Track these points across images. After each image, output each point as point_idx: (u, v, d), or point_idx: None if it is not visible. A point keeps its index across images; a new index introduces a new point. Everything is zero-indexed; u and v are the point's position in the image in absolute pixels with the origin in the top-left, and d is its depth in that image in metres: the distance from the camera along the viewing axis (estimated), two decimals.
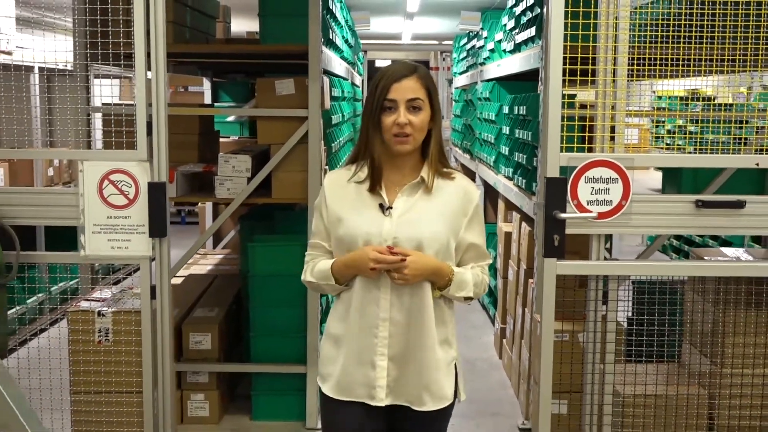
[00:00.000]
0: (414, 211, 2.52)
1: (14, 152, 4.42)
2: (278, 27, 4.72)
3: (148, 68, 3.29)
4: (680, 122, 8.38)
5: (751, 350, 3.42)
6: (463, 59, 9.58)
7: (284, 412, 4.85)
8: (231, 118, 7.77)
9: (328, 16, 5.50)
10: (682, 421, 3.45)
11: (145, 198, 3.22)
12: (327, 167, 5.12)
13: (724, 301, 3.43)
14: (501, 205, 6.54)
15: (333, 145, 5.78)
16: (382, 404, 2.52)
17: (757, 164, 3.27)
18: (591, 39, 3.24)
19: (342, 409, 2.57)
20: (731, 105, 4.15)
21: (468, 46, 9.01)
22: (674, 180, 3.95)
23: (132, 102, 3.38)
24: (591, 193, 3.20)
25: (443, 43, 12.43)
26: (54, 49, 3.96)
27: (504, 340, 5.92)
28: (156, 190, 3.22)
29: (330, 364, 2.60)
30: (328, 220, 2.59)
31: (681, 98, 6.99)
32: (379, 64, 23.64)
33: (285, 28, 4.69)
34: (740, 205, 3.23)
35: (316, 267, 2.60)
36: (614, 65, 3.22)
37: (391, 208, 2.52)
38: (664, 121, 8.63)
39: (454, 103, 10.71)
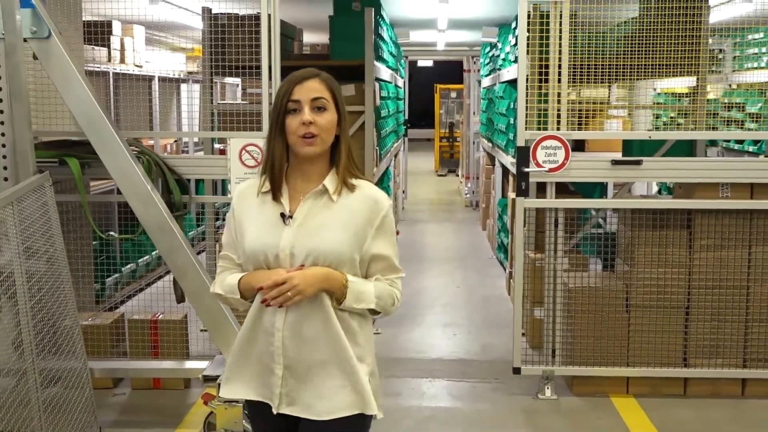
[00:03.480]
0: (315, 221, 2.45)
1: (186, 133, 6.46)
2: (343, 47, 6.75)
3: (269, 77, 5.26)
4: (672, 114, 10.18)
5: (652, 257, 5.30)
6: (487, 64, 11.52)
7: None
8: None
9: (378, 39, 7.46)
10: (608, 301, 5.34)
11: None
12: (378, 147, 7.12)
13: (637, 225, 5.33)
14: (511, 179, 8.44)
15: (382, 131, 7.76)
16: (277, 411, 2.49)
17: (650, 137, 5.19)
18: (544, 57, 5.16)
19: (252, 407, 2.61)
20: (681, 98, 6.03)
21: (490, 54, 10.94)
22: (629, 151, 5.80)
23: (233, 101, 5.36)
24: (545, 156, 5.12)
25: (473, 48, 14.36)
26: (171, 61, 5.94)
27: (511, 280, 7.83)
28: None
29: (232, 370, 2.59)
30: (236, 232, 2.55)
31: (674, 95, 8.77)
32: (420, 63, 25.54)
33: (348, 48, 6.71)
34: (639, 162, 5.13)
35: (225, 280, 2.57)
36: (559, 72, 5.14)
37: (291, 217, 2.46)
38: (660, 115, 10.41)
39: (481, 101, 12.62)
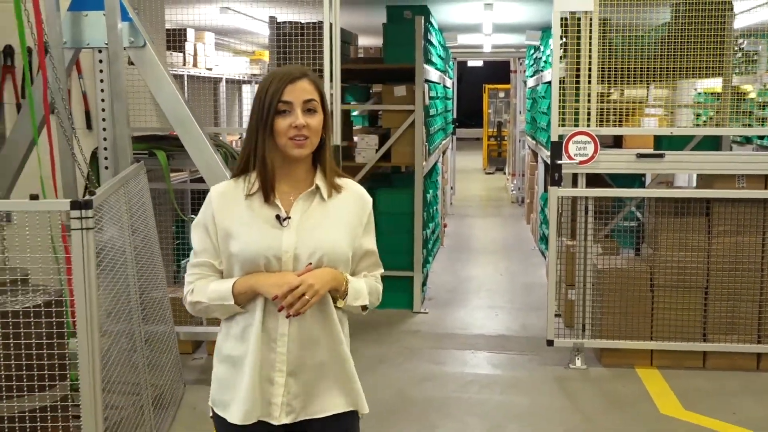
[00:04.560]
0: (312, 221, 2.43)
1: None
2: (395, 52, 7.41)
3: (330, 79, 5.93)
4: (711, 113, 10.64)
5: (674, 241, 5.85)
6: (531, 65, 12.09)
7: (399, 302, 7.50)
8: (356, 112, 10.45)
9: (427, 43, 8.09)
10: (634, 281, 5.91)
11: None
12: (426, 143, 7.76)
13: (660, 213, 5.89)
14: None
15: (430, 129, 8.40)
16: (278, 423, 2.43)
17: (672, 132, 5.76)
18: (575, 62, 5.76)
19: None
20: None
21: (534, 56, 11.52)
22: (659, 146, 6.36)
23: None
24: (576, 150, 5.70)
25: (519, 50, 14.92)
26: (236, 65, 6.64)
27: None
28: (335, 149, 5.86)
29: (228, 390, 2.46)
30: (218, 236, 2.45)
31: (713, 94, 9.27)
32: (471, 63, 26.06)
33: (400, 53, 7.37)
34: (662, 156, 5.70)
35: (210, 287, 2.44)
36: (588, 75, 5.73)
37: (289, 218, 2.42)
38: (700, 114, 10.88)
39: (526, 100, 13.18)
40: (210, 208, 2.47)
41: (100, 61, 5.02)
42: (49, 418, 3.53)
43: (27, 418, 3.45)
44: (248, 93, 11.71)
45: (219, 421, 2.49)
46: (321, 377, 2.45)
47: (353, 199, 2.52)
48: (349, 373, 2.51)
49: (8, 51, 5.82)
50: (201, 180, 6.97)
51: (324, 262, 2.41)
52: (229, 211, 2.45)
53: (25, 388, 3.45)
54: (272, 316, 2.40)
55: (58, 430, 3.60)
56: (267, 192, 2.42)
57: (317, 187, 2.46)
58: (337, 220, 2.46)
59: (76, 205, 3.20)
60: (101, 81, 5.04)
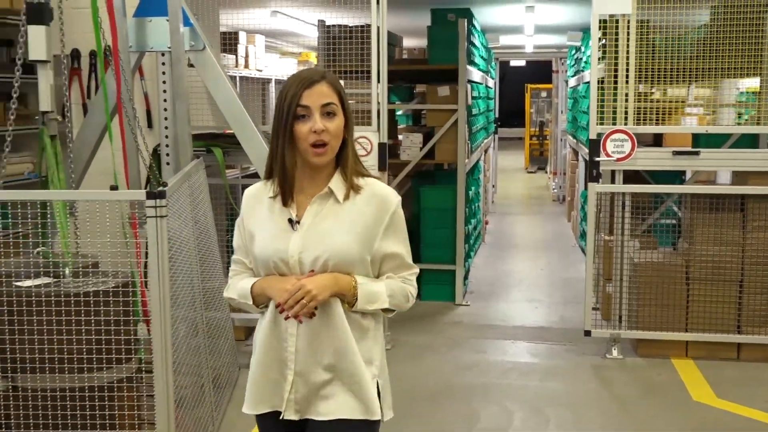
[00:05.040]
0: (322, 224, 2.42)
1: None
2: (439, 53, 7.68)
3: (378, 80, 6.21)
4: (753, 112, 10.75)
5: (710, 236, 6.04)
6: (573, 66, 12.27)
7: (442, 295, 7.77)
8: (400, 112, 10.74)
9: (470, 45, 8.34)
10: (670, 274, 6.10)
11: (376, 150, 6.14)
12: (469, 141, 8.02)
13: (696, 208, 6.08)
14: None
15: (473, 128, 8.65)
16: (289, 418, 2.47)
17: (707, 131, 5.96)
18: (614, 62, 5.97)
19: (259, 421, 2.57)
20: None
21: (576, 56, 11.70)
22: (697, 144, 6.54)
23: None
24: (614, 147, 5.92)
25: (561, 50, 15.08)
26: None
27: None
28: (381, 147, 6.14)
29: (250, 377, 2.54)
30: (246, 237, 2.53)
31: (755, 93, 9.41)
32: (513, 63, 26.21)
33: (443, 54, 7.63)
34: (697, 153, 5.89)
35: (238, 285, 2.53)
36: (626, 75, 5.94)
37: (299, 222, 2.43)
38: (742, 113, 11.00)
39: (568, 100, 13.35)
40: (242, 208, 2.56)
41: (163, 64, 5.36)
42: (123, 388, 3.85)
43: (104, 388, 3.77)
44: None
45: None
46: (328, 381, 2.45)
47: (373, 201, 2.45)
48: (358, 379, 2.45)
49: (75, 54, 6.19)
50: (252, 176, 7.32)
51: (330, 266, 2.40)
52: (254, 213, 2.50)
53: (101, 362, 3.77)
54: (283, 317, 2.42)
55: (131, 401, 3.92)
56: (285, 196, 2.44)
57: (330, 190, 2.44)
58: (350, 223, 2.42)
59: (151, 195, 3.53)
60: (164, 82, 5.39)
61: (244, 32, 8.79)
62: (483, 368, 5.91)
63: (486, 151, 12.36)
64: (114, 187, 3.74)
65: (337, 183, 2.44)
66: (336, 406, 2.45)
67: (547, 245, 10.91)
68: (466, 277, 8.07)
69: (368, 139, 6.09)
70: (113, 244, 4.10)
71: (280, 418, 2.47)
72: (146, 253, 3.80)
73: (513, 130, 28.15)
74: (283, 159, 2.40)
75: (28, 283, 3.89)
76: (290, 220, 2.44)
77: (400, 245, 2.51)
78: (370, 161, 6.08)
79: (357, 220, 2.42)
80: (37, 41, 4.18)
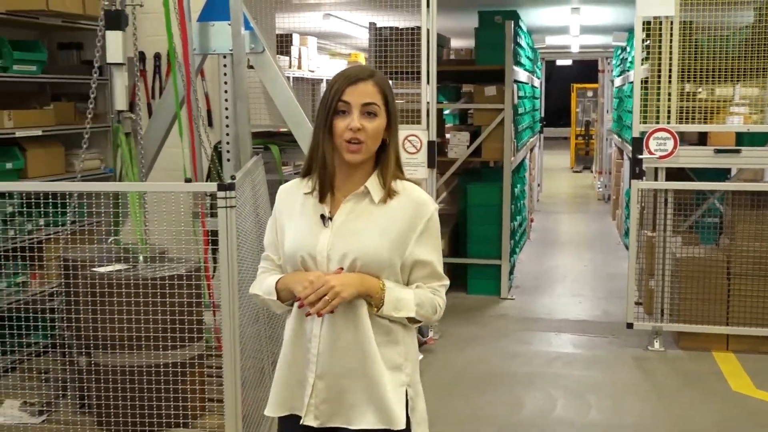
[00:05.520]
0: (355, 223, 2.37)
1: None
2: (486, 54, 7.92)
3: (427, 81, 6.46)
4: None
5: (750, 232, 6.19)
6: (618, 65, 12.40)
7: (488, 289, 8.00)
8: (447, 111, 10.98)
9: (516, 46, 8.56)
10: (711, 269, 6.26)
11: (425, 148, 6.39)
12: (515, 140, 8.23)
13: (737, 205, 6.24)
14: None
15: (519, 127, 8.87)
16: (308, 424, 2.40)
17: (749, 129, 6.11)
18: (657, 62, 6.16)
19: (281, 424, 2.52)
20: None
21: (621, 56, 11.84)
22: (740, 143, 6.69)
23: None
24: (656, 145, 6.10)
25: (607, 50, 15.19)
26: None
27: None
28: (430, 145, 6.40)
29: (275, 379, 2.49)
30: (279, 233, 2.49)
31: None
32: (559, 63, 26.24)
33: (490, 55, 7.87)
34: (738, 151, 6.05)
35: (265, 282, 2.48)
36: (669, 76, 6.12)
37: (331, 219, 2.39)
38: None
39: (613, 99, 13.47)
40: (276, 204, 2.52)
41: (225, 66, 5.67)
42: (191, 367, 4.16)
43: (176, 365, 4.09)
44: None
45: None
46: (350, 387, 2.38)
47: (409, 206, 2.39)
48: (380, 386, 2.37)
49: (140, 57, 6.54)
50: None
51: (357, 266, 2.34)
52: (287, 208, 2.47)
53: (172, 342, 4.08)
54: (308, 318, 2.36)
55: (198, 380, 4.23)
56: (323, 192, 2.40)
57: (367, 189, 2.38)
58: (383, 226, 2.36)
59: (222, 187, 3.82)
60: (225, 83, 5.69)
61: (298, 34, 9.10)
62: (527, 358, 6.14)
63: (531, 150, 12.54)
64: (188, 180, 4.04)
65: (374, 183, 2.39)
66: (359, 416, 2.37)
67: (591, 243, 11.07)
68: (511, 272, 8.29)
69: (418, 137, 6.34)
70: (179, 233, 4.41)
71: (300, 423, 2.41)
72: (212, 242, 4.10)
73: (559, 129, 28.16)
74: (323, 153, 2.36)
75: (105, 269, 4.22)
76: (322, 216, 2.39)
77: (432, 254, 2.43)
78: (420, 158, 6.34)
79: (390, 223, 2.36)
80: (114, 45, 4.52)
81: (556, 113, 27.50)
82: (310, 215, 2.41)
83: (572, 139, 22.57)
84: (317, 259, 2.36)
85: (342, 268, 2.34)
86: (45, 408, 4.33)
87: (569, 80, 24.37)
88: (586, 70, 24.54)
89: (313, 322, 2.35)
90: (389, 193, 2.38)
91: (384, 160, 2.40)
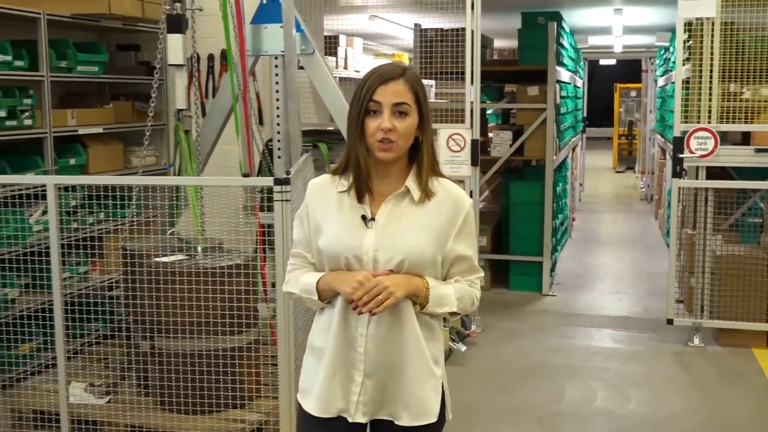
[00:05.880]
0: (398, 224, 2.39)
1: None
2: (529, 55, 8.07)
3: (471, 81, 6.62)
4: None
5: None
6: (661, 65, 12.44)
7: (529, 285, 8.15)
8: (490, 111, 11.12)
9: (559, 47, 8.69)
10: (751, 267, 6.35)
11: (468, 146, 6.56)
12: (557, 139, 8.37)
13: None
14: None
15: (561, 126, 9.00)
16: (353, 420, 2.42)
17: None
18: (699, 62, 6.26)
19: (322, 426, 2.47)
20: None
21: (665, 56, 11.88)
22: None
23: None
24: (697, 145, 6.21)
25: (650, 49, 15.19)
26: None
27: None
28: (474, 143, 6.57)
29: (310, 380, 2.48)
30: (310, 229, 2.46)
31: None
32: (603, 62, 26.19)
33: (533, 55, 8.02)
34: None
35: (300, 279, 2.47)
36: (710, 76, 6.22)
37: (374, 219, 2.39)
38: None
39: (656, 99, 13.50)
40: (306, 202, 2.49)
41: (276, 66, 5.90)
42: (246, 353, 4.39)
43: (234, 349, 4.31)
44: None
45: (298, 407, 2.54)
46: (398, 384, 2.42)
47: (447, 202, 2.43)
48: (428, 379, 2.44)
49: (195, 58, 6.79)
50: None
51: (405, 266, 2.36)
52: (322, 206, 2.45)
53: (227, 329, 4.31)
54: (353, 315, 2.38)
55: (252, 366, 4.45)
56: (361, 192, 2.40)
57: (407, 189, 2.41)
58: (425, 224, 2.39)
59: (278, 181, 4.04)
60: (276, 83, 5.91)
61: (344, 35, 9.33)
62: (568, 351, 6.28)
63: (574, 150, 12.62)
64: (246, 175, 4.27)
65: (412, 183, 2.42)
66: (405, 410, 2.42)
67: (633, 241, 11.14)
68: (552, 270, 8.42)
69: (462, 136, 6.51)
70: (233, 225, 4.64)
71: (350, 421, 2.43)
72: (266, 234, 4.31)
73: (602, 129, 28.07)
74: (357, 153, 2.37)
75: (165, 259, 4.46)
76: (363, 217, 2.39)
77: (470, 248, 2.48)
78: (463, 157, 6.51)
79: (431, 221, 2.40)
80: (175, 48, 4.76)
81: (600, 113, 27.44)
82: (349, 215, 2.41)
83: (615, 139, 22.52)
84: (363, 260, 2.37)
85: (392, 270, 2.36)
86: (109, 389, 4.59)
87: (613, 80, 24.30)
88: (630, 69, 24.47)
89: (359, 321, 2.38)
90: (429, 191, 2.41)
91: (420, 158, 2.42)
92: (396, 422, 2.44)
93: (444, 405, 2.53)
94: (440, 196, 2.43)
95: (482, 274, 2.55)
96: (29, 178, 4.99)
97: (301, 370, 2.55)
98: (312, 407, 2.46)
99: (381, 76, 2.35)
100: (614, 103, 22.66)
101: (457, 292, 2.43)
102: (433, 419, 2.47)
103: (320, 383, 2.44)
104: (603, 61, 25.39)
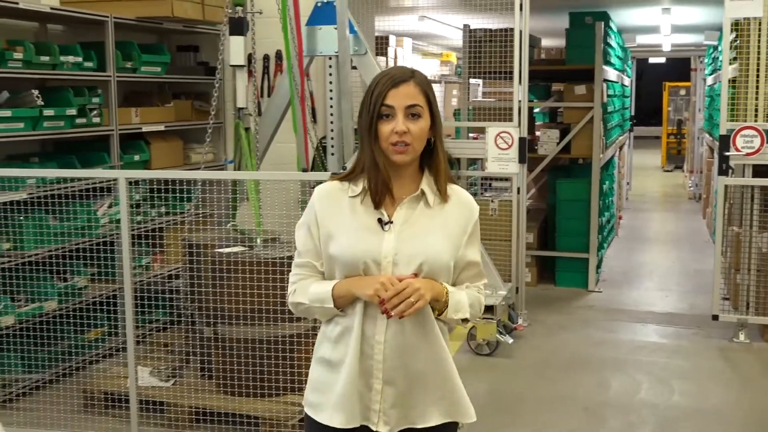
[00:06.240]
0: (415, 227, 2.37)
1: (458, 123, 8.19)
2: (576, 54, 8.19)
3: (519, 81, 6.78)
4: None
5: None
6: (710, 64, 12.43)
7: (575, 281, 8.27)
8: (537, 109, 11.25)
9: (606, 46, 8.79)
10: None
11: (516, 144, 6.71)
12: (603, 138, 8.47)
13: None
14: None
15: (608, 125, 9.09)
16: (376, 429, 2.37)
17: None
18: (746, 62, 6.34)
19: None
20: None
21: (713, 55, 11.88)
22: None
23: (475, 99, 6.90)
24: (743, 143, 6.29)
25: (699, 48, 15.14)
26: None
27: None
28: (522, 141, 6.72)
29: (322, 393, 2.42)
30: (319, 237, 2.40)
31: None
32: (651, 60, 26.03)
33: (580, 54, 8.14)
34: None
35: (310, 289, 2.41)
36: (757, 75, 6.30)
37: (391, 222, 2.36)
38: None
39: (705, 98, 13.47)
40: (313, 208, 2.43)
41: (330, 66, 6.12)
42: (303, 340, 4.61)
43: (292, 336, 4.54)
44: (436, 92, 12.73)
45: (309, 421, 2.46)
46: (419, 388, 2.38)
47: (459, 208, 2.43)
48: (451, 384, 2.44)
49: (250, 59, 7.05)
50: None
51: (424, 270, 2.34)
52: (332, 213, 2.40)
53: (285, 317, 4.53)
54: (371, 322, 2.34)
55: (310, 351, 4.67)
56: (381, 196, 2.35)
57: (422, 192, 2.39)
58: (440, 229, 2.38)
59: (334, 175, 4.24)
60: (330, 83, 6.13)
61: (394, 36, 9.53)
62: (613, 345, 6.41)
63: (621, 148, 12.67)
64: (304, 170, 4.48)
65: (427, 186, 2.40)
66: (428, 414, 2.40)
67: (680, 240, 11.18)
68: (598, 266, 8.52)
69: (510, 134, 6.67)
70: (290, 217, 4.86)
71: (374, 430, 2.38)
72: None
73: (650, 128, 27.89)
74: (373, 158, 2.34)
75: (227, 250, 4.70)
76: (380, 221, 2.36)
77: (478, 254, 2.48)
78: (511, 154, 6.66)
79: (446, 226, 2.39)
80: (236, 49, 5.00)
81: (649, 112, 27.29)
82: (364, 219, 2.37)
83: (664, 138, 22.39)
84: (382, 265, 2.33)
85: (416, 274, 2.33)
86: (173, 374, 4.84)
87: (662, 78, 24.14)
88: (679, 67, 24.27)
89: (376, 329, 2.34)
90: (445, 195, 2.41)
91: (434, 161, 2.41)
92: (418, 426, 2.40)
93: (469, 411, 2.50)
94: (453, 201, 2.43)
95: (486, 281, 2.55)
96: (102, 173, 5.29)
97: (309, 384, 2.48)
98: (330, 419, 2.38)
99: (391, 80, 2.34)
100: (663, 101, 22.54)
101: (469, 299, 2.44)
102: (466, 420, 2.45)
103: (339, 394, 2.37)
104: (652, 60, 25.25)
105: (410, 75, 2.37)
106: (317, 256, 2.43)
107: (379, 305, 2.27)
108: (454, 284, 2.44)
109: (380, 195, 2.35)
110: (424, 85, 2.38)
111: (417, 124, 2.32)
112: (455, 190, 2.45)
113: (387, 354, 2.34)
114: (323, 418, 2.40)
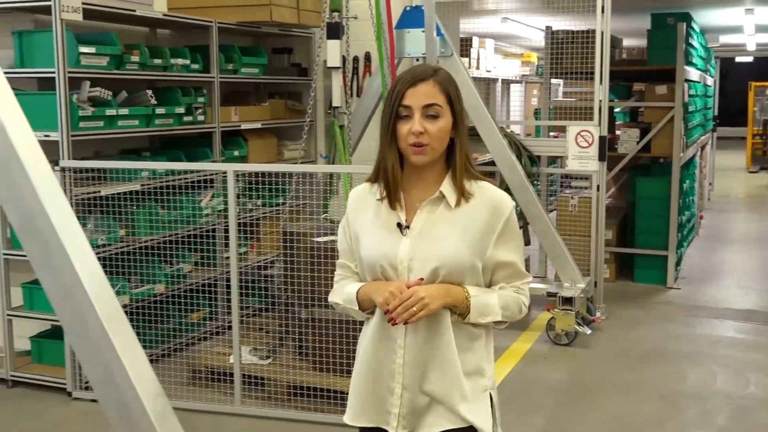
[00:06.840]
0: (434, 230, 2.32)
1: (538, 122, 8.39)
2: (658, 55, 8.34)
3: (600, 81, 6.97)
4: None
5: None
6: None
7: (654, 278, 8.40)
8: (618, 109, 11.36)
9: (688, 46, 8.89)
10: None
11: (596, 143, 6.91)
12: (684, 137, 8.58)
13: None
14: None
15: (689, 124, 9.19)
16: None
17: None
18: None
19: None
20: None
21: None
22: None
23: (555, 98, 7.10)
24: None
25: None
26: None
27: None
28: (602, 140, 6.91)
29: (354, 387, 2.46)
30: (351, 238, 2.44)
31: None
32: (738, 60, 25.60)
33: (662, 55, 8.28)
34: None
35: (345, 289, 2.43)
36: None
37: (409, 227, 2.33)
38: None
39: None
40: (347, 210, 2.47)
41: None
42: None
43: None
44: (517, 92, 12.94)
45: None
46: (435, 395, 2.35)
47: (485, 206, 2.34)
48: (463, 392, 2.35)
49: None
50: (488, 164, 8.30)
51: (441, 274, 2.30)
52: (360, 215, 2.41)
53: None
54: (390, 329, 2.33)
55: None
56: (391, 198, 2.34)
57: (442, 194, 2.33)
58: (462, 229, 2.31)
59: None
60: None
61: (477, 37, 9.80)
62: (691, 339, 6.56)
63: (703, 149, 12.66)
64: None
65: (448, 187, 2.34)
66: (445, 420, 2.35)
67: (762, 240, 11.15)
68: (678, 264, 8.63)
69: (590, 133, 6.88)
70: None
71: None
72: None
73: (735, 129, 27.40)
74: (386, 158, 2.32)
75: (321, 239, 5.06)
76: (399, 225, 2.34)
77: (513, 253, 2.39)
78: (591, 152, 6.87)
79: (469, 226, 2.32)
80: (333, 52, 5.36)
81: (733, 112, 26.82)
82: (385, 223, 2.36)
83: (749, 139, 22.04)
84: (398, 269, 2.32)
85: (422, 279, 2.29)
86: (270, 352, 5.23)
87: (748, 78, 23.73)
88: (767, 66, 23.83)
89: (397, 332, 2.33)
90: (465, 194, 2.34)
91: (454, 161, 2.35)
92: (435, 430, 2.36)
93: (494, 418, 2.41)
94: (478, 199, 2.34)
95: (529, 279, 2.47)
96: (213, 166, 5.71)
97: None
98: (348, 416, 2.46)
99: (410, 79, 2.30)
100: (748, 101, 22.19)
101: (501, 300, 2.37)
102: (469, 425, 2.36)
103: (359, 394, 2.42)
104: (738, 59, 24.85)
105: (431, 74, 2.31)
106: (352, 257, 2.46)
107: (386, 313, 2.27)
108: (489, 285, 2.41)
109: (392, 196, 2.34)
110: (446, 84, 2.32)
111: (435, 124, 2.27)
112: (482, 188, 2.37)
113: (407, 359, 2.33)
114: (345, 414, 2.48)
